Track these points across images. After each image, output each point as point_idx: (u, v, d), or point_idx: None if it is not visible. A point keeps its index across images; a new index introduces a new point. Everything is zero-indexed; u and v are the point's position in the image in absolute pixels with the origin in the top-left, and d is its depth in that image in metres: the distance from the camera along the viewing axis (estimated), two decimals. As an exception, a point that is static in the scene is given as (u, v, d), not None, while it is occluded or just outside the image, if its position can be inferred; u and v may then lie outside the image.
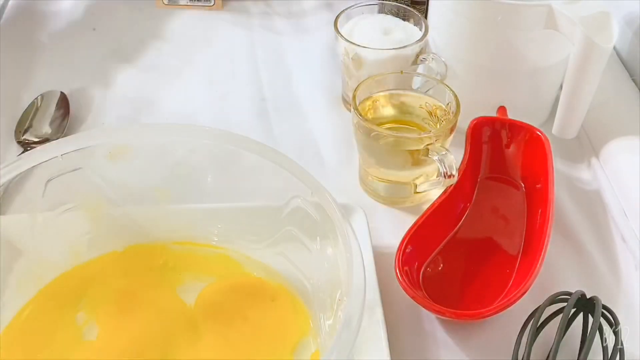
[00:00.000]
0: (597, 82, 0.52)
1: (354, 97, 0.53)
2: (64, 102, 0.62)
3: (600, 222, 0.55)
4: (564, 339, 0.43)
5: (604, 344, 0.44)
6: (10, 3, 0.76)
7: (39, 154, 0.43)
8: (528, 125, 0.55)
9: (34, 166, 0.43)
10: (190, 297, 0.47)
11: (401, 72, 0.56)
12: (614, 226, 0.54)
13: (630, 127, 0.59)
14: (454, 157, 0.50)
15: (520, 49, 0.56)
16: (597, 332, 0.43)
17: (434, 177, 0.53)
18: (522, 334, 0.44)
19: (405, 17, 0.62)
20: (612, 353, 0.43)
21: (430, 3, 0.60)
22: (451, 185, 0.52)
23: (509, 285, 0.48)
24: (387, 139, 0.52)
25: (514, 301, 0.45)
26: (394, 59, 0.59)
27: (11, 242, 0.46)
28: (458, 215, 0.53)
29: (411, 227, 0.49)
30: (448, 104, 0.53)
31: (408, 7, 0.63)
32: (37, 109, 0.62)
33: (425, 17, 0.62)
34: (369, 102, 0.55)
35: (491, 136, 0.56)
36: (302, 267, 0.47)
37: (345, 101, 0.65)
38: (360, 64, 0.59)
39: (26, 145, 0.58)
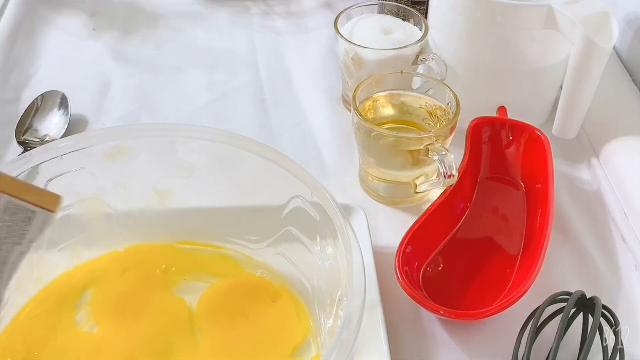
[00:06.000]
0: (597, 82, 0.52)
1: (354, 97, 0.53)
2: (64, 102, 0.62)
3: (600, 222, 0.55)
4: (564, 339, 0.43)
5: (604, 344, 0.44)
6: (10, 3, 0.76)
7: (39, 154, 0.43)
8: (528, 125, 0.55)
9: (34, 166, 0.43)
10: (191, 297, 0.47)
11: (401, 72, 0.56)
12: (614, 226, 0.54)
13: (630, 127, 0.59)
14: (454, 157, 0.50)
15: (520, 49, 0.56)
16: (597, 332, 0.44)
17: (434, 177, 0.53)
18: (522, 334, 0.44)
19: (405, 17, 0.63)
20: (612, 353, 0.43)
21: (430, 3, 0.60)
22: (451, 185, 0.52)
23: (509, 285, 0.48)
24: (387, 139, 0.52)
25: (514, 301, 0.45)
26: (394, 59, 0.59)
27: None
28: (458, 215, 0.53)
29: (411, 227, 0.49)
30: (448, 104, 0.53)
31: (408, 7, 0.63)
32: (37, 109, 0.62)
33: (425, 17, 0.62)
34: (369, 102, 0.55)
35: (491, 136, 0.56)
36: (302, 267, 0.47)
37: (345, 101, 0.65)
38: (360, 64, 0.59)
39: (26, 145, 0.58)
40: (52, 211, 0.38)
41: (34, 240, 0.38)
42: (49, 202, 0.38)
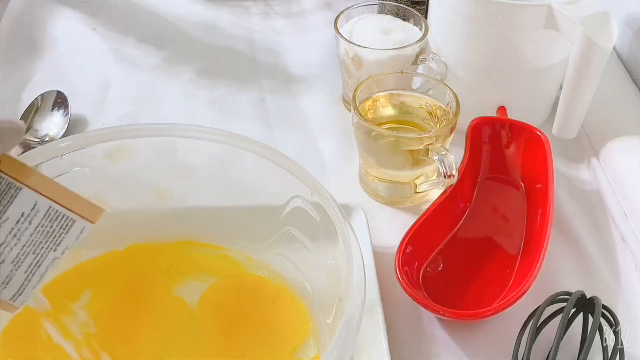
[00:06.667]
0: (597, 82, 0.52)
1: (354, 97, 0.53)
2: (64, 102, 0.62)
3: (600, 222, 0.55)
4: (564, 339, 0.43)
5: (604, 344, 0.44)
6: (10, 3, 0.76)
7: (39, 154, 0.43)
8: (528, 125, 0.55)
9: (34, 166, 0.43)
10: (191, 297, 0.47)
11: (401, 72, 0.56)
12: (614, 226, 0.54)
13: (630, 127, 0.59)
14: (454, 157, 0.50)
15: (520, 49, 0.56)
16: (597, 332, 0.44)
17: (434, 177, 0.53)
18: (522, 334, 0.44)
19: (405, 17, 0.63)
20: (612, 353, 0.43)
21: (430, 3, 0.60)
22: (451, 185, 0.52)
23: (509, 285, 0.48)
24: (387, 139, 0.52)
25: (514, 301, 0.45)
26: (394, 59, 0.59)
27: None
28: (458, 215, 0.53)
29: (411, 227, 0.49)
30: (448, 104, 0.53)
31: (408, 7, 0.63)
32: (37, 109, 0.62)
33: (425, 17, 0.62)
34: (369, 102, 0.55)
35: (491, 136, 0.56)
36: (302, 267, 0.47)
37: (345, 101, 0.65)
38: (360, 64, 0.59)
39: (26, 145, 0.58)
40: (92, 222, 0.39)
41: (69, 248, 0.39)
42: (90, 212, 0.39)
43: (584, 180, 0.59)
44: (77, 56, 0.71)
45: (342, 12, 0.62)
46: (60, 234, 0.38)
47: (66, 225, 0.38)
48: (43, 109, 0.62)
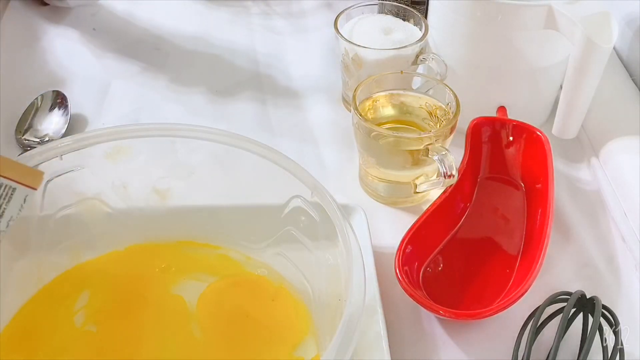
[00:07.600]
0: (597, 82, 0.52)
1: (354, 97, 0.53)
2: (64, 102, 0.62)
3: (600, 222, 0.55)
4: (564, 339, 0.43)
5: (604, 344, 0.44)
6: (10, 3, 0.76)
7: (39, 154, 0.43)
8: (528, 125, 0.55)
9: (34, 166, 0.43)
10: (190, 297, 0.47)
11: (401, 72, 0.56)
12: (614, 226, 0.54)
13: (630, 127, 0.59)
14: (454, 157, 0.50)
15: (520, 49, 0.56)
16: (597, 332, 0.44)
17: (434, 177, 0.53)
18: (522, 334, 0.44)
19: (405, 17, 0.63)
20: (612, 353, 0.43)
21: (430, 3, 0.60)
22: (451, 185, 0.52)
23: (509, 285, 0.48)
24: (387, 139, 0.52)
25: (514, 301, 0.45)
26: (394, 59, 0.59)
27: (11, 242, 0.46)
28: (458, 215, 0.53)
29: (411, 227, 0.49)
30: (448, 104, 0.53)
31: (408, 7, 0.63)
32: (37, 109, 0.62)
33: (425, 17, 0.62)
34: (369, 102, 0.55)
35: (491, 136, 0.56)
36: (302, 267, 0.47)
37: (345, 101, 0.65)
38: (360, 64, 0.59)
39: (26, 145, 0.58)
40: (34, 188, 0.36)
41: (14, 219, 0.36)
42: (30, 178, 0.36)
43: (584, 180, 0.59)
44: (77, 56, 0.71)
45: (342, 12, 0.62)
46: (1, 204, 0.35)
47: (6, 195, 0.35)
48: (43, 109, 0.62)
